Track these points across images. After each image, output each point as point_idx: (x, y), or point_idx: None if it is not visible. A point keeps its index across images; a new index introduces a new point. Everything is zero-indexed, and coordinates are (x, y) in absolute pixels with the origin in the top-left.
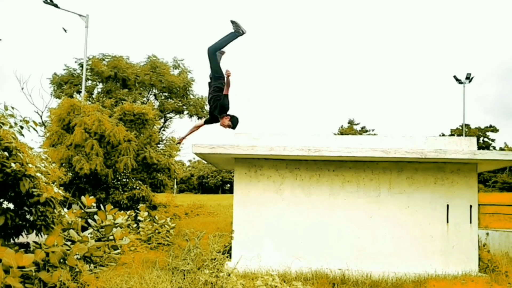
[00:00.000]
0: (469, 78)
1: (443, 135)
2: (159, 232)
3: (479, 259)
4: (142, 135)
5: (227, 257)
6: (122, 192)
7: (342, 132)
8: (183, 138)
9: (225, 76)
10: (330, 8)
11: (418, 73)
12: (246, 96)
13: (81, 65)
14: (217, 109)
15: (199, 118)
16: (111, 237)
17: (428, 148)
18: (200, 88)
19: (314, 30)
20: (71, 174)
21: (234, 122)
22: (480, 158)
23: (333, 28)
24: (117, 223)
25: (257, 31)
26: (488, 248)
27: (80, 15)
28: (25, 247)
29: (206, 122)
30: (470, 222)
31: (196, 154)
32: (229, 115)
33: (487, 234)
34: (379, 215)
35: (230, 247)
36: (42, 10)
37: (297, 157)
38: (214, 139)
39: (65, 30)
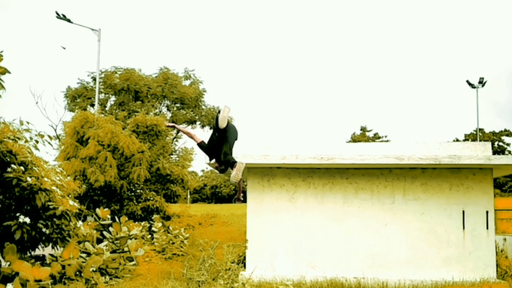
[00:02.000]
0: (482, 82)
1: (457, 140)
2: (173, 243)
3: (497, 265)
4: (155, 146)
5: (241, 267)
6: (136, 204)
7: (355, 139)
8: (174, 125)
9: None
10: (341, 14)
11: (431, 78)
12: (254, 104)
13: (94, 78)
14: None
15: (211, 128)
16: (126, 249)
17: (442, 154)
18: (212, 98)
19: (326, 36)
20: (85, 187)
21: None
22: (496, 163)
23: (345, 34)
24: (131, 235)
25: (268, 39)
26: (506, 254)
27: (92, 29)
28: (42, 259)
29: (199, 146)
30: (487, 228)
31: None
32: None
33: (505, 239)
34: (394, 223)
35: (244, 257)
36: (55, 25)
37: (310, 165)
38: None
39: (64, 48)
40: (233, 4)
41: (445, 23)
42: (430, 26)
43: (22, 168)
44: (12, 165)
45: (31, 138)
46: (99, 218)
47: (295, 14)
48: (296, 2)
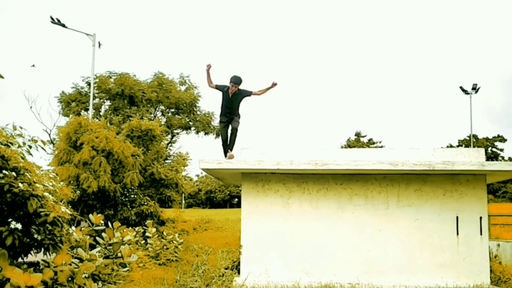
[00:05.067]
0: (475, 88)
1: (451, 146)
2: (167, 248)
3: (491, 271)
4: (149, 151)
5: (235, 273)
6: (130, 209)
7: (349, 144)
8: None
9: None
10: (336, 19)
11: (425, 85)
12: (249, 110)
13: (89, 83)
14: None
15: (206, 134)
16: (119, 254)
17: (436, 160)
18: (207, 104)
19: (320, 41)
20: (79, 192)
21: (235, 80)
22: (489, 169)
23: (339, 39)
24: (125, 240)
25: (263, 44)
26: (500, 259)
27: (87, 34)
28: (35, 265)
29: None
30: (481, 234)
31: (203, 169)
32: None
33: (498, 245)
34: (388, 228)
35: (239, 263)
36: (50, 30)
37: (304, 171)
38: (221, 154)
39: (100, 44)
40: (230, 7)
41: (440, 30)
42: (425, 33)
43: (14, 173)
44: (4, 171)
45: (24, 143)
46: (92, 224)
47: (291, 19)
48: (292, 6)
